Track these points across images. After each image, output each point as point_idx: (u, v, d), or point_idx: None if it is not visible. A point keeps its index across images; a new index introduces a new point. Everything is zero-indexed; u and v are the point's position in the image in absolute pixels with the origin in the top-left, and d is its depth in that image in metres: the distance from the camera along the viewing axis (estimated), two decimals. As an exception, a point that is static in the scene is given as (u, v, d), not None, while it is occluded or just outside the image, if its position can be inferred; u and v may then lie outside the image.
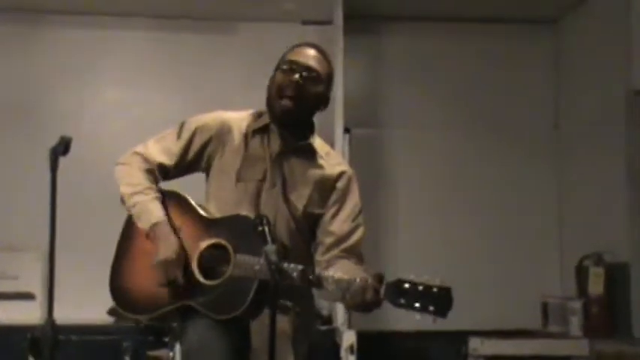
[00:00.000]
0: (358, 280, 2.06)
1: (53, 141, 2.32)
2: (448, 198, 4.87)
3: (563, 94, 4.93)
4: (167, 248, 2.25)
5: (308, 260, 2.32)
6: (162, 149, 2.39)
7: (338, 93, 4.32)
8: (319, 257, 2.34)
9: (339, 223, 2.35)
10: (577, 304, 4.26)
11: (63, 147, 2.27)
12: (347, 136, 4.47)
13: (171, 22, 4.75)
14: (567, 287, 4.53)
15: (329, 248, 2.34)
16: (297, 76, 2.27)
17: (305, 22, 4.76)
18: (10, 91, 4.65)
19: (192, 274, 2.25)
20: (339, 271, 2.18)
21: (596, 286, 4.20)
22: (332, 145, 4.13)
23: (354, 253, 2.34)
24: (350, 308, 2.13)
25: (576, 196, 4.73)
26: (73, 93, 4.70)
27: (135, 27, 4.75)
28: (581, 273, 4.33)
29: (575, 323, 4.25)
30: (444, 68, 4.94)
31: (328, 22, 4.60)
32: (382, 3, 4.71)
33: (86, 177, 4.07)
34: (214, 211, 2.34)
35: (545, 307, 4.56)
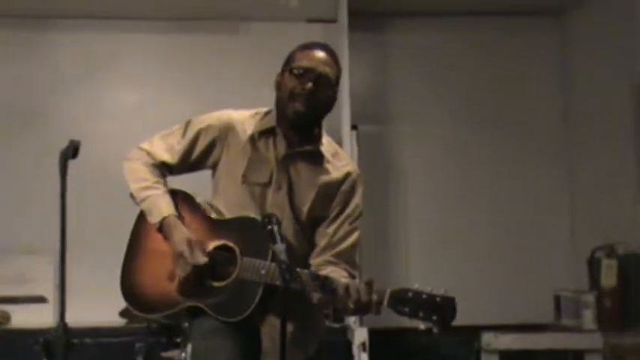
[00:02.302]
0: (359, 285, 2.07)
1: (64, 145, 2.33)
2: (457, 193, 4.86)
3: (570, 86, 4.91)
4: (181, 238, 2.26)
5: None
6: (166, 147, 2.40)
7: (344, 90, 4.31)
8: (311, 260, 2.33)
9: (336, 225, 2.35)
10: (590, 297, 4.24)
11: (72, 151, 2.29)
12: (354, 132, 4.46)
13: (178, 23, 4.76)
14: (579, 280, 4.51)
15: (322, 251, 2.33)
16: (310, 84, 2.26)
17: (310, 21, 4.76)
18: (20, 95, 4.67)
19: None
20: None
21: (608, 278, 4.18)
22: (340, 141, 4.15)
23: (346, 259, 2.33)
24: (347, 312, 2.14)
25: (587, 188, 4.71)
26: (82, 96, 4.71)
27: (142, 30, 4.76)
28: (594, 265, 4.31)
29: (589, 316, 4.23)
30: (450, 63, 4.93)
31: (333, 20, 4.60)
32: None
33: (97, 180, 4.08)
34: (222, 211, 2.34)
35: (557, 301, 4.54)
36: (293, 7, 4.61)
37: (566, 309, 4.46)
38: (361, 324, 4.04)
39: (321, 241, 2.34)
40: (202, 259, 2.22)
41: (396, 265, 4.59)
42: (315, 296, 2.13)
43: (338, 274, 2.24)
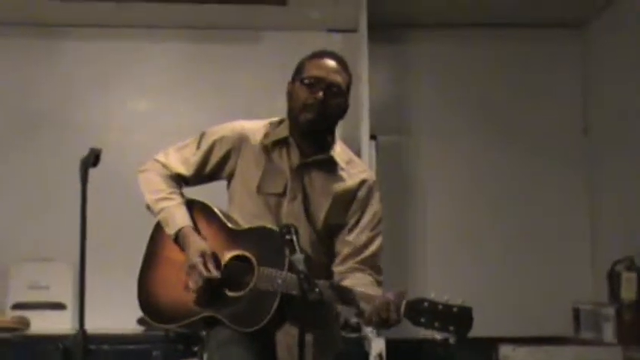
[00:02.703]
0: (381, 296, 2.06)
1: (83, 153, 2.35)
2: (476, 204, 4.84)
3: (591, 97, 4.88)
4: (196, 250, 2.27)
5: (331, 272, 2.33)
6: (181, 159, 2.42)
7: (364, 100, 4.32)
8: (335, 268, 2.34)
9: (357, 232, 2.34)
10: (610, 311, 4.20)
11: (93, 158, 2.31)
12: (373, 142, 4.46)
13: (197, 32, 4.79)
14: (599, 293, 4.47)
15: (345, 259, 2.33)
16: (320, 93, 2.27)
17: (330, 31, 4.77)
18: (39, 104, 4.71)
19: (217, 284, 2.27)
20: (353, 285, 2.18)
21: (628, 291, 4.13)
22: (358, 152, 4.15)
23: (370, 265, 2.33)
24: (369, 324, 2.13)
25: (607, 201, 4.67)
26: (100, 105, 4.75)
27: (161, 38, 4.79)
28: (614, 278, 4.27)
29: (608, 330, 4.18)
30: (470, 74, 4.92)
31: (353, 30, 4.61)
32: (406, 10, 4.70)
33: (115, 187, 4.10)
34: (238, 221, 2.35)
35: (577, 314, 4.50)
36: (314, 17, 4.62)
37: (586, 322, 4.43)
38: (378, 334, 4.02)
39: (344, 249, 2.34)
40: (215, 273, 2.24)
41: (414, 276, 4.58)
42: (338, 307, 2.13)
43: (365, 280, 2.25)
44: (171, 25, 4.75)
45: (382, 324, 2.05)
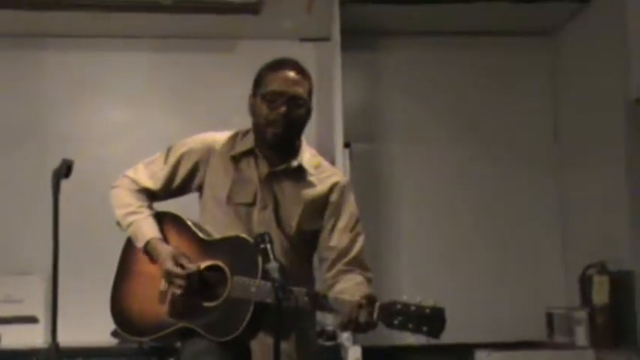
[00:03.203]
0: (352, 301, 2.07)
1: (55, 164, 2.33)
2: (449, 211, 4.86)
3: (562, 105, 4.94)
4: (166, 256, 2.27)
5: (305, 279, 2.34)
6: (149, 174, 2.42)
7: (337, 108, 4.33)
8: (325, 274, 2.36)
9: (337, 236, 2.36)
10: (582, 314, 4.24)
11: (65, 170, 2.29)
12: (347, 150, 4.47)
13: (171, 41, 4.77)
14: (572, 297, 4.52)
15: (333, 263, 2.35)
16: (283, 108, 2.27)
17: (303, 40, 4.79)
18: (13, 115, 4.66)
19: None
20: (343, 289, 2.20)
21: (600, 295, 4.18)
22: (332, 160, 4.16)
23: (358, 264, 2.35)
24: (344, 329, 2.15)
25: (578, 206, 4.73)
26: (76, 115, 4.71)
27: (136, 48, 4.77)
28: (585, 282, 4.31)
29: (581, 333, 4.23)
30: (443, 81, 4.95)
31: (326, 39, 4.62)
32: (378, 18, 4.73)
33: (90, 199, 4.05)
34: (210, 231, 2.35)
35: (550, 318, 4.54)
36: (286, 27, 4.63)
37: (559, 326, 4.47)
38: (355, 342, 4.03)
39: (329, 255, 2.36)
40: (192, 267, 2.24)
41: (388, 283, 4.58)
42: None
43: (356, 280, 2.28)
44: (146, 34, 4.73)
45: (356, 327, 2.07)
